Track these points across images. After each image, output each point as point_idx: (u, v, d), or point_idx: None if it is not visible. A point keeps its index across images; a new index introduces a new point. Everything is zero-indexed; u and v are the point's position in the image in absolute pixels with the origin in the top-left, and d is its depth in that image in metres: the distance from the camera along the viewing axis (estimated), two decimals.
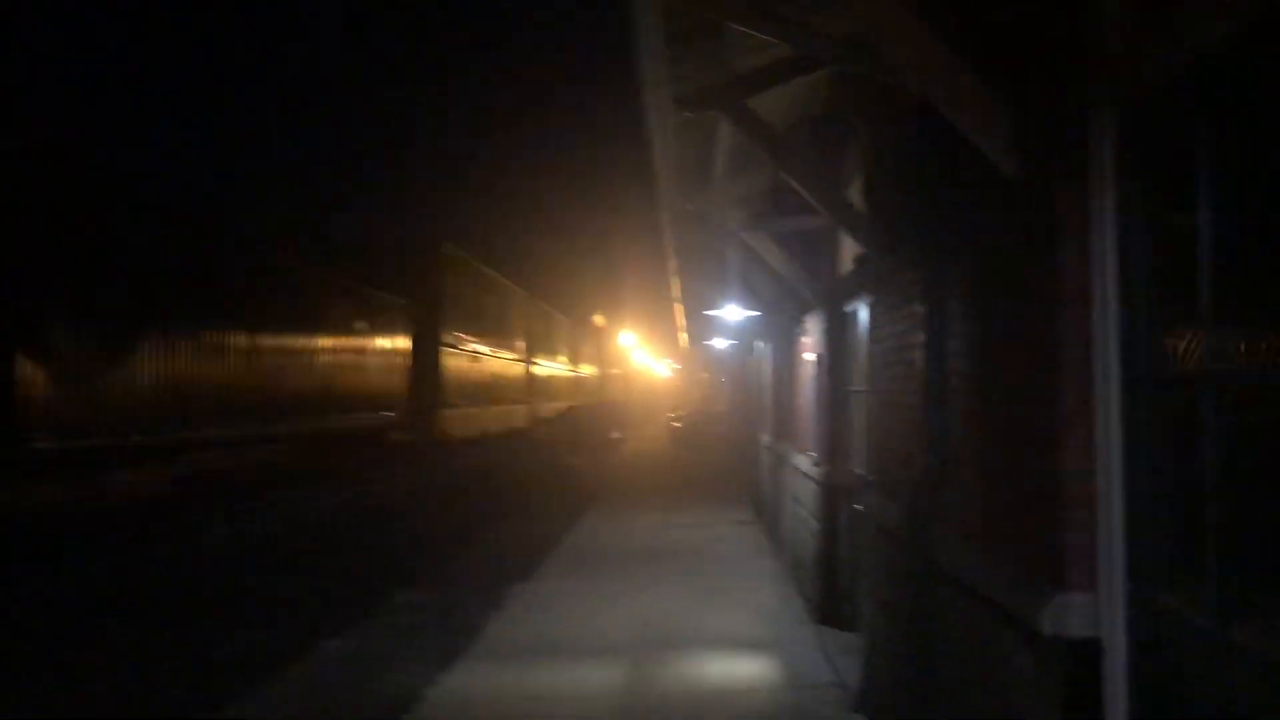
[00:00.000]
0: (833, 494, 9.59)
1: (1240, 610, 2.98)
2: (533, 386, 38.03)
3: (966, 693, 4.85)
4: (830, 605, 9.62)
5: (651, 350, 74.86)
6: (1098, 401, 3.69)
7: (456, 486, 14.27)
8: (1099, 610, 3.62)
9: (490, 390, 31.02)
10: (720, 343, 22.35)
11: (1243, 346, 3.05)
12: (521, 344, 35.87)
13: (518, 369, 39.44)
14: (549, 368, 41.21)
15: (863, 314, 8.49)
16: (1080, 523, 3.70)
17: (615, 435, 40.47)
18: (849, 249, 9.11)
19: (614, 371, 60.99)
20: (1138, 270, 3.59)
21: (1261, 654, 2.82)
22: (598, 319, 44.12)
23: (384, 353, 22.01)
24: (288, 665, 8.42)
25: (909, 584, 5.73)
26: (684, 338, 34.85)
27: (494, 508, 16.79)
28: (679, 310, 26.17)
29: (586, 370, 54.27)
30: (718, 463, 28.55)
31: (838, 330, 9.45)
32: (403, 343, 24.59)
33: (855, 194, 8.17)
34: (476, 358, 29.29)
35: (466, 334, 29.33)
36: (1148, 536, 3.49)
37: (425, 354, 25.58)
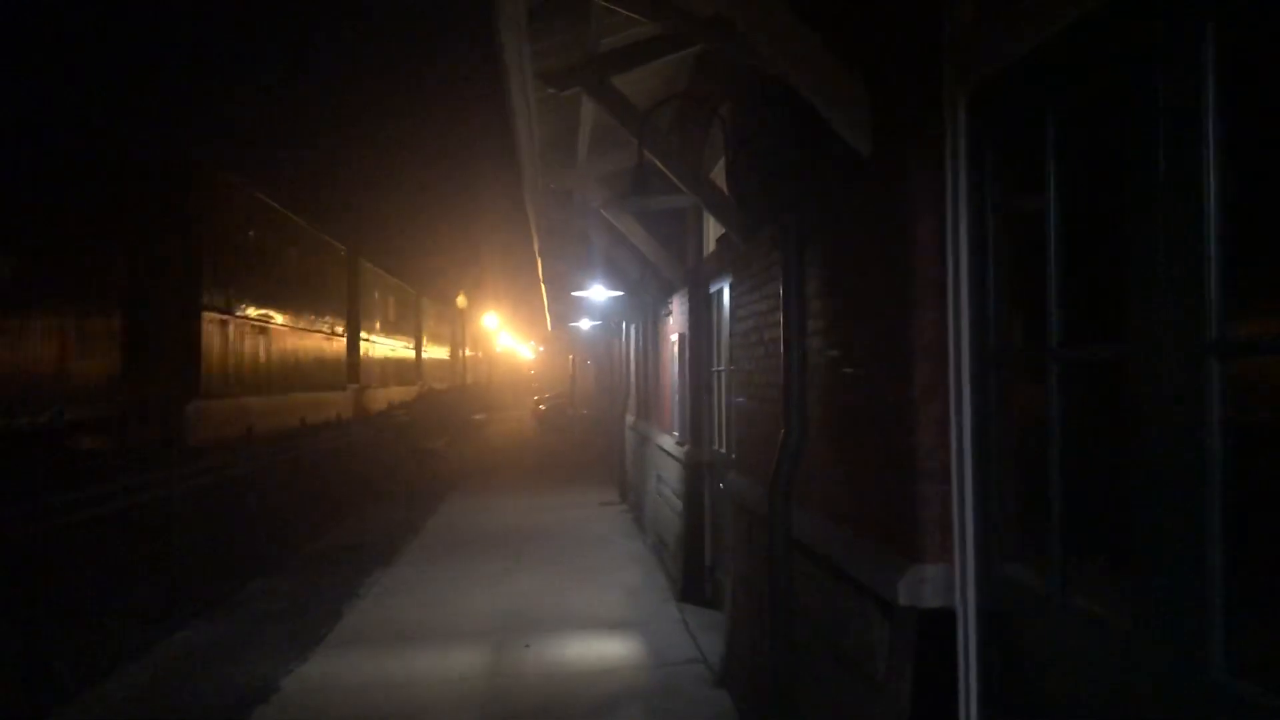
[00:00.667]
0: (696, 472, 9.67)
1: (1079, 578, 3.10)
2: (377, 369, 35.43)
3: (825, 665, 4.94)
4: (693, 583, 9.72)
5: (516, 332, 74.39)
6: (950, 379, 3.78)
7: (310, 471, 13.86)
8: (952, 581, 3.72)
9: (299, 372, 25.37)
10: (586, 324, 22.30)
11: (1085, 327, 3.16)
12: (359, 322, 31.92)
13: (407, 355, 38.12)
14: (397, 349, 39.28)
15: (726, 294, 8.56)
16: (933, 496, 3.80)
17: (479, 418, 40.13)
18: (713, 230, 9.18)
19: (477, 354, 60.35)
20: (988, 251, 3.68)
21: (1097, 618, 2.94)
22: (460, 299, 43.53)
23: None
24: (134, 658, 8.05)
25: (769, 560, 5.81)
26: (549, 319, 34.73)
27: (352, 493, 16.40)
28: (544, 291, 26.05)
29: (445, 352, 53.45)
30: (583, 444, 28.57)
31: (701, 311, 9.51)
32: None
33: (720, 175, 8.22)
34: (265, 330, 21.16)
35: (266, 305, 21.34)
36: (997, 510, 3.59)
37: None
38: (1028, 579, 3.38)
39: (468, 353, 49.57)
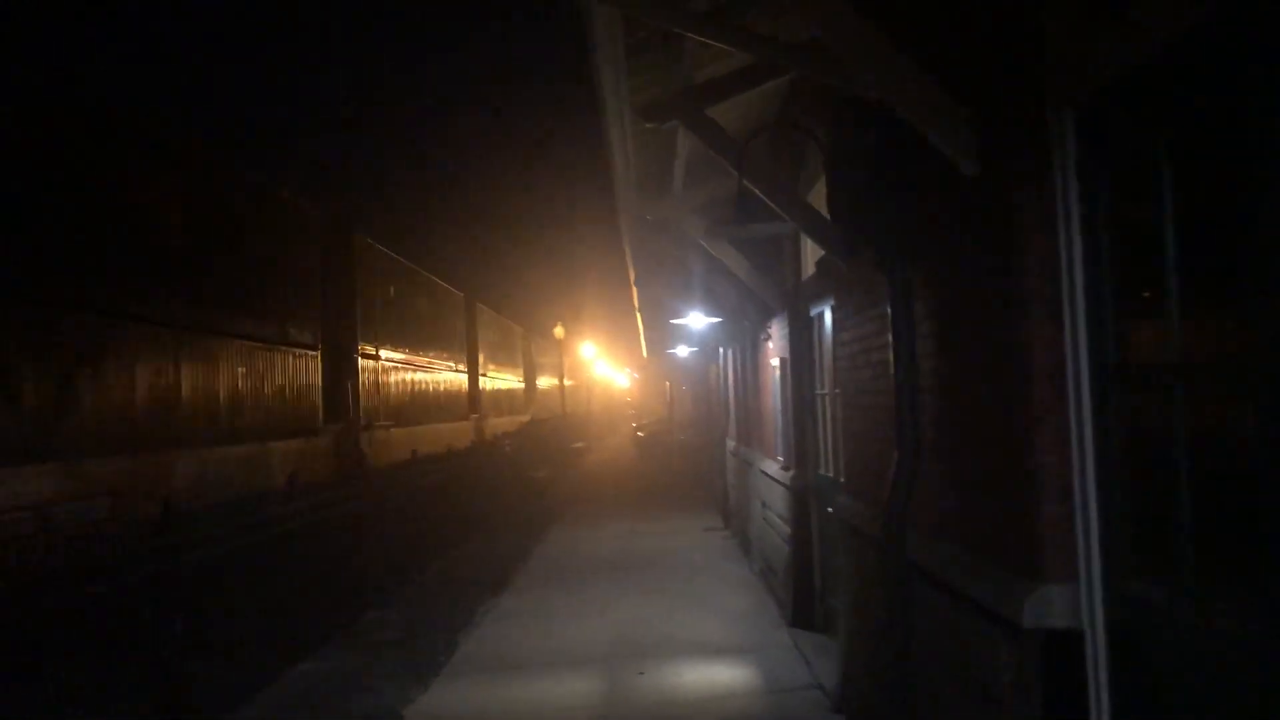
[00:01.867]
0: (802, 497, 9.64)
1: (1212, 595, 3.04)
2: (491, 401, 37.16)
3: (946, 689, 4.90)
4: (803, 608, 9.67)
5: (611, 360, 74.90)
6: (1069, 395, 3.75)
7: (420, 503, 14.16)
8: (1079, 601, 3.67)
9: (436, 407, 27.70)
10: (683, 350, 22.39)
11: (1208, 338, 3.12)
12: (479, 358, 34.57)
13: (516, 386, 39.96)
14: (508, 381, 40.96)
15: (827, 317, 8.55)
16: (1056, 515, 3.76)
17: (579, 446, 40.45)
18: (811, 253, 9.19)
19: (576, 383, 60.91)
20: (1103, 265, 3.65)
21: (1233, 635, 2.88)
22: (558, 330, 44.06)
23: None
24: (261, 689, 8.32)
25: (884, 583, 5.78)
26: (645, 347, 34.92)
27: (460, 524, 16.69)
28: (639, 319, 26.23)
29: (547, 382, 54.11)
30: (683, 471, 28.59)
31: (802, 334, 9.51)
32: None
33: (817, 198, 8.24)
34: (422, 370, 26.26)
35: (407, 348, 25.48)
36: (1122, 526, 3.55)
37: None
38: (1157, 596, 3.33)
39: (567, 382, 50.05)
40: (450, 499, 16.08)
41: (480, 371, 34.38)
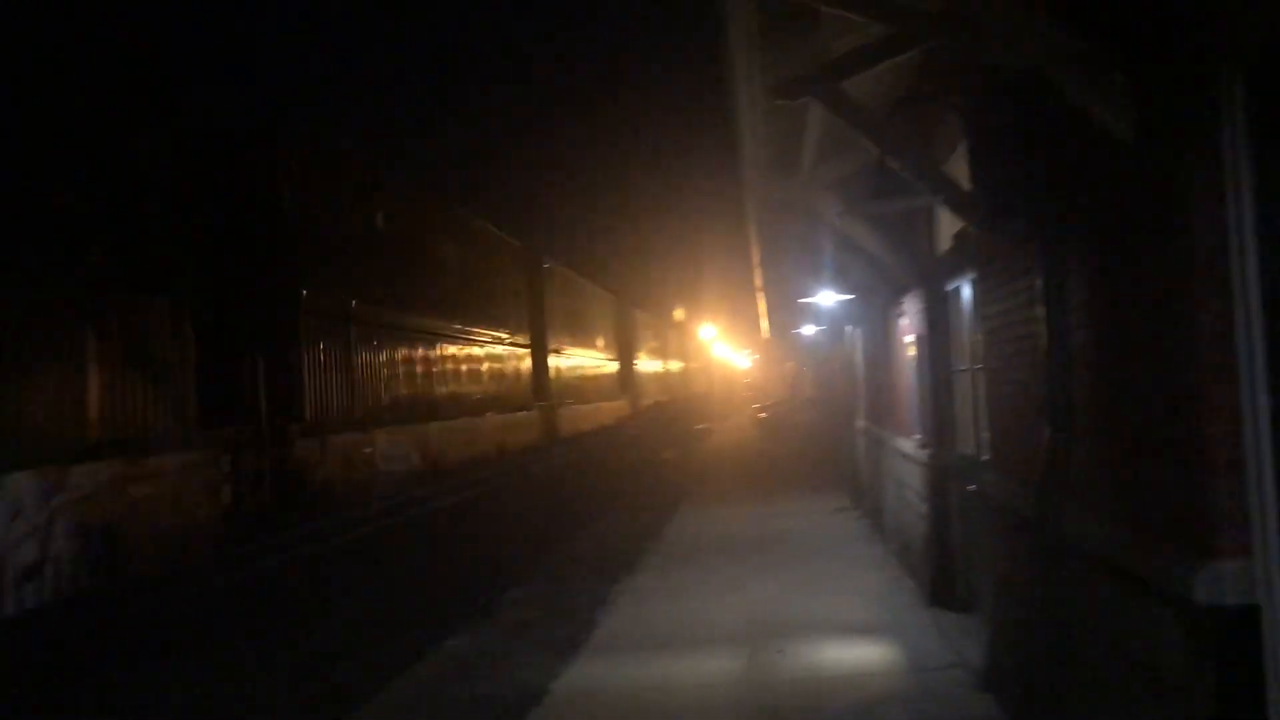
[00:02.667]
0: (941, 475, 9.49)
1: None
2: (622, 383, 38.25)
3: (1105, 668, 4.79)
4: (943, 587, 9.53)
5: (731, 341, 74.72)
6: (1240, 363, 3.63)
7: (555, 483, 14.41)
8: (1254, 575, 3.56)
9: (584, 389, 31.61)
10: (808, 330, 22.21)
11: None
12: (607, 342, 35.51)
13: (608, 367, 39.62)
14: (651, 366, 41.92)
15: (965, 292, 8.40)
16: (1228, 488, 3.65)
17: (701, 427, 40.54)
18: (947, 227, 9.02)
19: (695, 364, 60.96)
20: (1276, 229, 3.52)
21: None
22: (678, 312, 44.18)
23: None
24: (408, 667, 8.60)
25: (1035, 561, 5.67)
26: (765, 327, 34.74)
27: (591, 503, 16.93)
28: (761, 300, 26.12)
29: (669, 365, 54.32)
30: (808, 451, 28.40)
31: (938, 310, 9.35)
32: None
33: (954, 170, 8.09)
34: (570, 358, 29.97)
35: (564, 338, 30.05)
36: None
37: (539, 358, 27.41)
38: None
39: (688, 364, 50.19)
40: (578, 481, 16.34)
41: (631, 359, 40.09)
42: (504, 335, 23.80)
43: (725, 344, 70.66)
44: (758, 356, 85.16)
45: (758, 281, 22.28)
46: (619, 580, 11.90)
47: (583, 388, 33.11)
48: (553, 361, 28.26)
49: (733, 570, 12.07)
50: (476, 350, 21.49)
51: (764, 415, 42.07)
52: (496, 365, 22.75)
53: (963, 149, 7.62)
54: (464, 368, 20.44)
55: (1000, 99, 6.01)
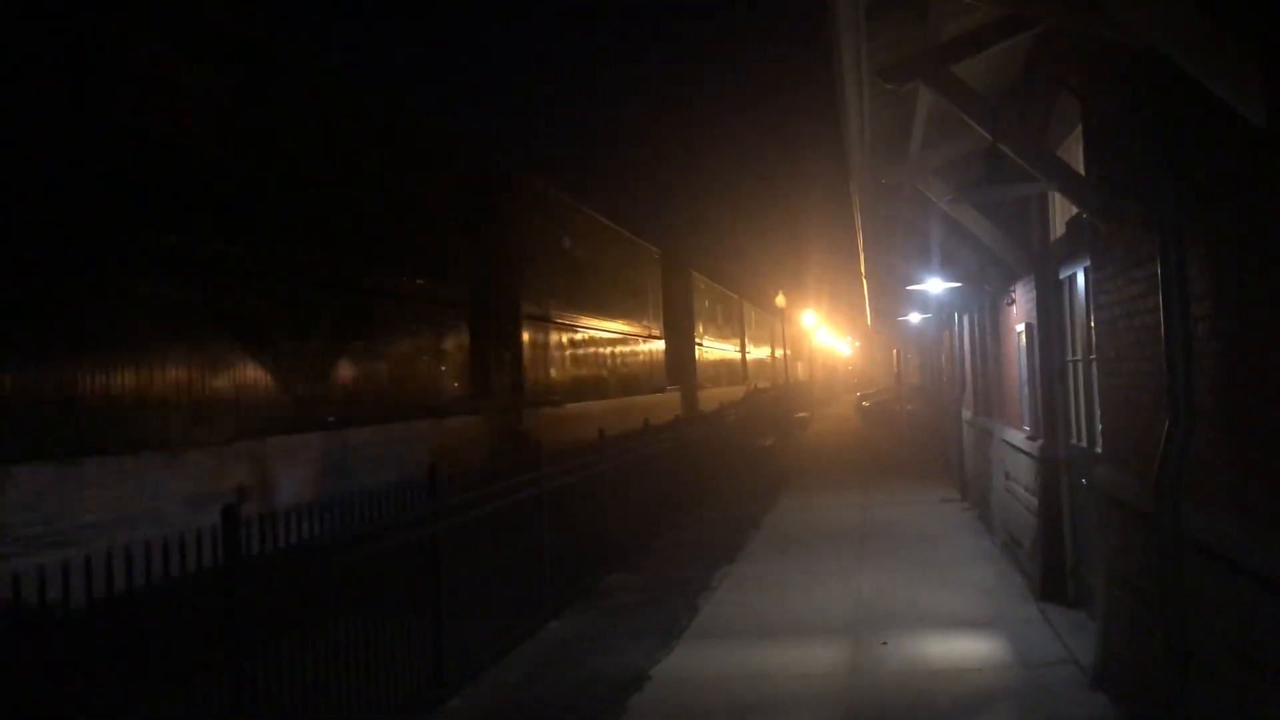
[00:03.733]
0: (1052, 468, 9.28)
1: None
2: (741, 370, 40.74)
3: (1226, 668, 4.64)
4: (1053, 582, 9.32)
5: (834, 329, 73.88)
6: None
7: (653, 470, 14.47)
8: None
9: (710, 375, 36.71)
10: (914, 318, 21.86)
11: None
12: (729, 332, 38.08)
13: (730, 354, 41.32)
14: (761, 353, 43.14)
15: (1080, 280, 8.17)
16: None
17: (802, 415, 40.20)
18: (1060, 214, 8.79)
19: (797, 351, 60.51)
20: None
21: None
22: (779, 299, 43.81)
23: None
24: (512, 649, 8.73)
25: (1152, 557, 5.51)
26: (870, 314, 34.27)
27: (689, 491, 16.95)
28: (866, 286, 25.77)
29: (769, 351, 53.99)
30: (912, 441, 27.98)
31: (1051, 298, 9.12)
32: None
33: (1069, 155, 7.88)
34: (704, 348, 35.45)
35: (707, 335, 35.81)
36: None
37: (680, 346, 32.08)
38: None
39: (788, 351, 49.84)
40: (677, 468, 16.34)
41: (746, 349, 44.00)
42: (648, 329, 29.80)
43: (827, 331, 69.94)
44: (860, 344, 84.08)
45: (862, 268, 21.99)
46: (719, 568, 11.91)
47: (712, 373, 37.63)
48: (690, 351, 34.38)
49: (834, 559, 11.98)
50: (628, 343, 27.17)
51: (866, 404, 41.57)
52: (644, 354, 28.92)
53: (1078, 133, 7.43)
54: (622, 357, 26.34)
55: (1118, 82, 5.83)
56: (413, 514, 7.35)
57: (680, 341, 33.28)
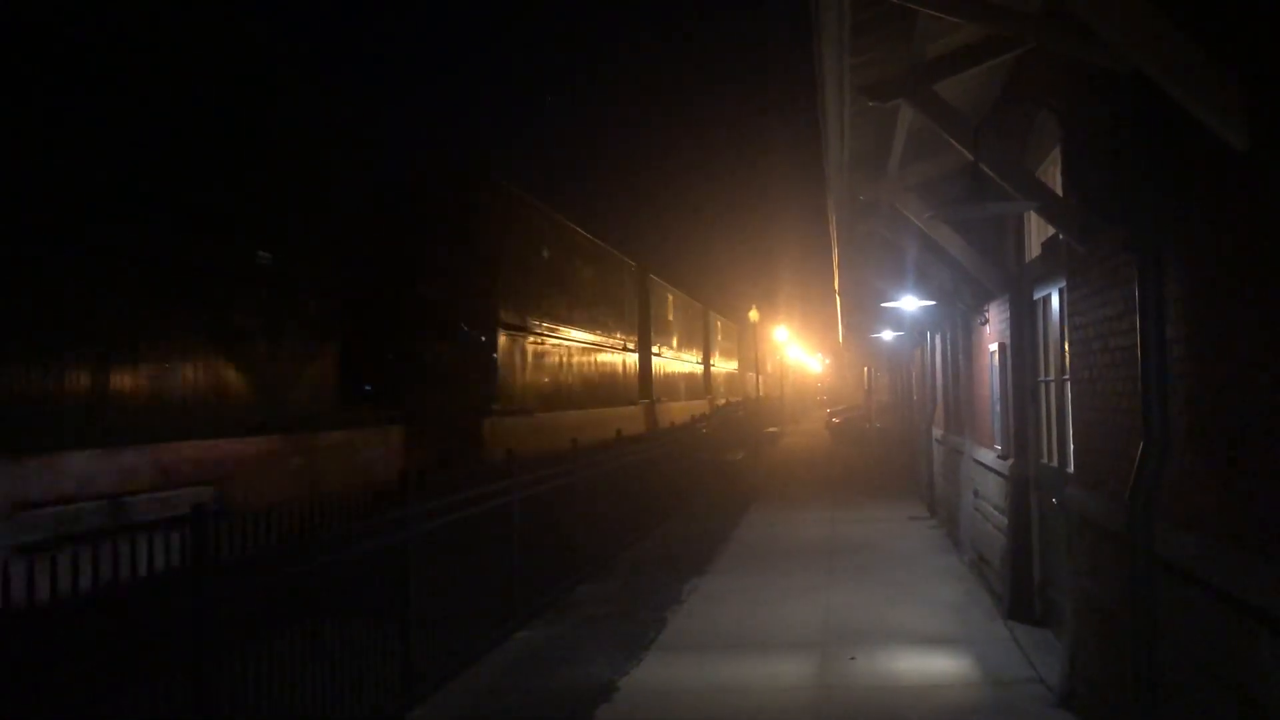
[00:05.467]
0: (1022, 486, 9.33)
1: None
2: (704, 384, 39.99)
3: (1196, 690, 4.66)
4: (1020, 600, 9.37)
5: (804, 344, 74.15)
6: None
7: (623, 481, 14.45)
8: None
9: (675, 388, 35.64)
10: (887, 335, 21.97)
11: None
12: (693, 345, 37.31)
13: (694, 369, 40.78)
14: (727, 367, 42.93)
15: (1054, 300, 8.23)
16: None
17: (772, 431, 40.29)
18: (1037, 234, 8.86)
19: (767, 366, 60.69)
20: None
21: None
22: (752, 313, 43.94)
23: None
24: (480, 657, 8.66)
25: (1124, 577, 5.53)
26: (841, 331, 34.41)
27: (658, 503, 16.92)
28: (839, 303, 25.88)
29: (742, 366, 54.10)
30: (881, 458, 28.10)
31: (1025, 318, 9.18)
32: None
33: (1047, 176, 7.94)
34: (665, 360, 34.06)
35: (661, 342, 33.70)
36: None
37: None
38: None
39: (759, 366, 49.94)
40: (644, 481, 16.32)
41: (710, 361, 43.37)
42: (620, 341, 28.35)
43: (798, 347, 70.18)
44: (831, 361, 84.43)
45: (836, 284, 22.10)
46: (687, 581, 11.88)
47: (674, 387, 36.46)
48: (654, 363, 33.01)
49: (803, 575, 11.98)
50: (601, 354, 25.99)
51: (837, 421, 41.72)
52: (614, 366, 27.53)
53: (1056, 154, 7.50)
54: (592, 368, 25.05)
55: (1098, 104, 5.88)
56: (383, 519, 7.29)
57: (653, 355, 32.76)
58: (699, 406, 36.29)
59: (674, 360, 36.92)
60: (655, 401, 31.69)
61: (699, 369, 42.49)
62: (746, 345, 52.95)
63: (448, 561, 8.33)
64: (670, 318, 36.77)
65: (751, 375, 52.46)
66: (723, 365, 49.08)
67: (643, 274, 32.97)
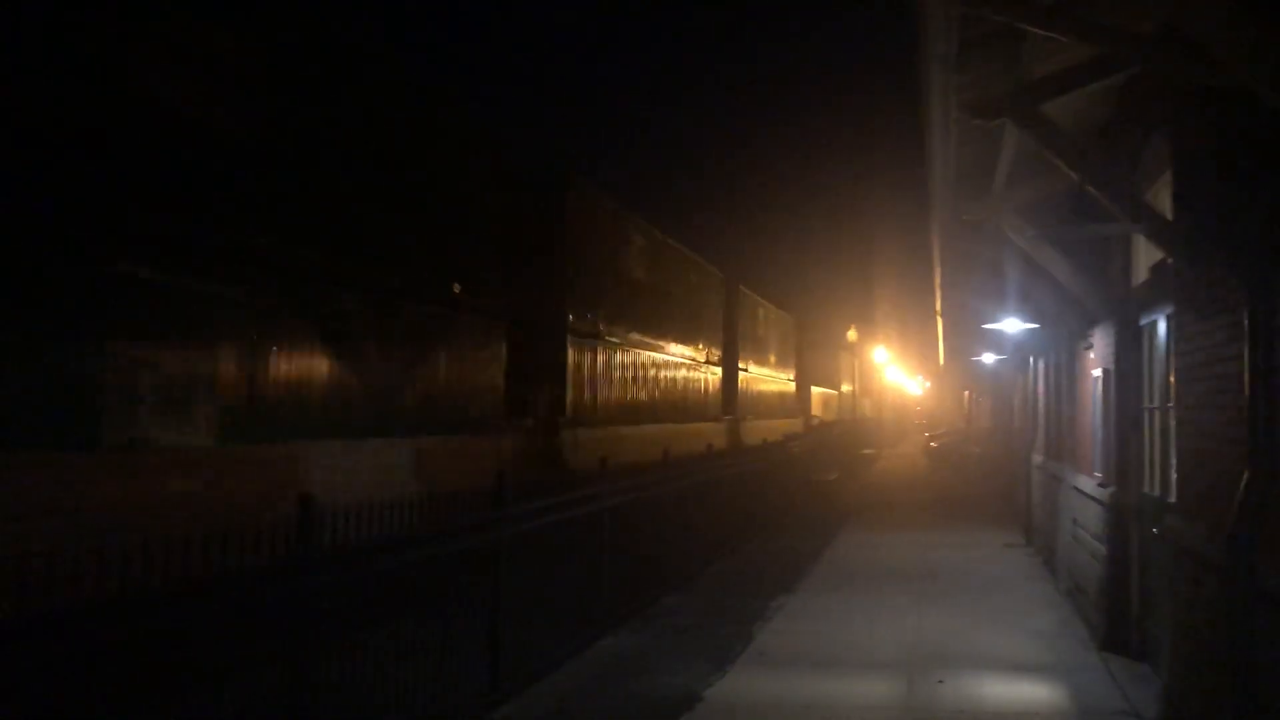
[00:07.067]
0: (1121, 516, 9.11)
1: None
2: (798, 402, 39.50)
3: None
4: (1117, 632, 9.14)
5: (904, 366, 73.11)
6: None
7: (712, 496, 14.48)
8: None
9: (764, 405, 34.74)
10: (988, 358, 21.61)
11: None
12: (785, 362, 36.75)
13: (786, 386, 40.33)
14: (810, 384, 42.19)
15: (1160, 327, 8.05)
16: None
17: (868, 452, 39.81)
18: (1144, 258, 8.67)
19: (866, 387, 60.03)
20: None
21: None
22: (851, 333, 43.55)
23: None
24: (568, 661, 8.78)
25: (1222, 610, 5.40)
26: (942, 353, 33.89)
27: (747, 520, 16.89)
28: (940, 324, 25.51)
29: (841, 386, 53.65)
30: (980, 483, 27.59)
31: (1130, 344, 8.98)
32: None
33: (1156, 199, 7.78)
34: (755, 376, 33.51)
35: (750, 358, 32.71)
36: None
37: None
38: None
39: (857, 386, 49.46)
40: (742, 493, 16.33)
41: (806, 379, 42.87)
42: (706, 354, 27.49)
43: (898, 368, 69.24)
44: (931, 384, 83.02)
45: (938, 305, 21.79)
46: (775, 598, 11.85)
47: (763, 404, 35.50)
48: (741, 379, 31.89)
49: (893, 597, 11.85)
50: (684, 368, 25.14)
51: (935, 445, 41.03)
52: (698, 380, 26.69)
53: (1167, 177, 7.34)
54: (675, 381, 24.31)
55: (1211, 127, 5.77)
56: (476, 519, 7.46)
57: (739, 369, 32.32)
58: (790, 425, 35.78)
59: (764, 376, 36.07)
60: (741, 419, 30.43)
61: (790, 386, 41.99)
62: (844, 365, 52.45)
63: (539, 564, 8.48)
64: (760, 332, 35.63)
65: (849, 395, 51.98)
66: (819, 384, 48.68)
67: (731, 284, 31.47)
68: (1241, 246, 5.16)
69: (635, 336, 21.20)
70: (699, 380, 27.34)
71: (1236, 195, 5.21)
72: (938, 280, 17.59)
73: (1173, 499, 7.42)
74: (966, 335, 22.02)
